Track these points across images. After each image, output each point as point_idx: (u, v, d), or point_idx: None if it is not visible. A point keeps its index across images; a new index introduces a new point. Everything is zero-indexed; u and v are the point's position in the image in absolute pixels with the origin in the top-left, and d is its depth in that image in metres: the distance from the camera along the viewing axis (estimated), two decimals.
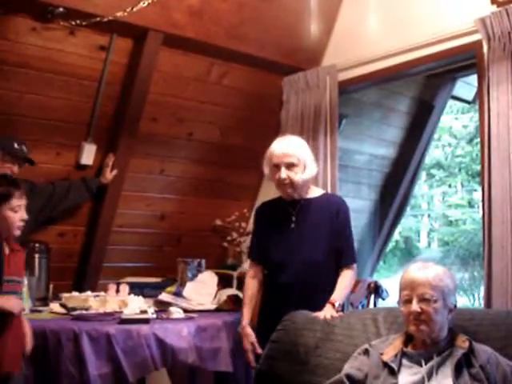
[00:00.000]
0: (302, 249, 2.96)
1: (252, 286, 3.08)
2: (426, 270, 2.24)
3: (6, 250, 2.52)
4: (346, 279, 2.97)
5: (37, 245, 3.48)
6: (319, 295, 2.90)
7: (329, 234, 2.98)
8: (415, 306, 2.18)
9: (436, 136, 6.99)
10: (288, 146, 3.01)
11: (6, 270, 2.47)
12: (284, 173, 2.94)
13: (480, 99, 3.42)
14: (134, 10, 3.31)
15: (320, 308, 2.80)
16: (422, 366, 2.17)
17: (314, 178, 3.17)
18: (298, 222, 3.01)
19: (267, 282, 3.09)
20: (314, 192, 3.12)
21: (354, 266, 3.03)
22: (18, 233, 2.56)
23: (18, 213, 2.52)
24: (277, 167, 2.96)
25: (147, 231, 4.33)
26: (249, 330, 2.96)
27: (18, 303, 2.48)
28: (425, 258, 12.74)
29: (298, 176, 2.94)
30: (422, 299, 2.18)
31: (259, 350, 2.87)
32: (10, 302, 2.41)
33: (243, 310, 3.04)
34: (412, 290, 2.21)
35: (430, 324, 2.18)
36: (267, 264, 3.07)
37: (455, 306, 2.27)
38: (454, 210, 12.84)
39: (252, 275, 3.11)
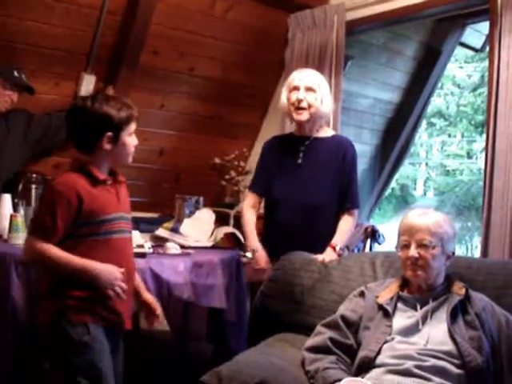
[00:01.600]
0: (305, 187, 2.95)
1: (251, 214, 3.11)
2: (425, 216, 2.23)
3: (109, 182, 2.25)
4: (347, 224, 2.96)
5: (33, 175, 3.44)
6: (317, 236, 2.91)
7: (334, 175, 2.96)
8: (413, 252, 2.18)
9: (439, 84, 6.90)
10: (311, 73, 3.05)
11: (115, 206, 2.22)
12: (302, 94, 2.91)
13: (490, 47, 3.36)
14: None
15: (317, 249, 2.80)
16: (417, 310, 2.18)
17: (327, 116, 3.13)
18: (305, 158, 2.99)
19: (266, 219, 3.09)
20: (326, 132, 3.09)
21: (356, 211, 3.01)
22: (130, 161, 2.32)
23: (133, 138, 2.26)
24: (295, 89, 2.94)
25: (145, 166, 4.29)
26: (263, 251, 2.99)
27: (114, 272, 2.15)
28: (421, 206, 12.81)
29: (315, 102, 2.91)
30: (421, 245, 2.18)
31: None
32: (104, 275, 2.13)
33: (248, 234, 3.08)
34: (411, 235, 2.21)
35: (426, 269, 2.18)
36: (268, 198, 3.06)
37: (453, 253, 2.27)
38: (452, 159, 12.84)
39: (250, 205, 3.13)
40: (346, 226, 2.95)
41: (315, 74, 3.04)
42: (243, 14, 4.09)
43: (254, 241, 3.04)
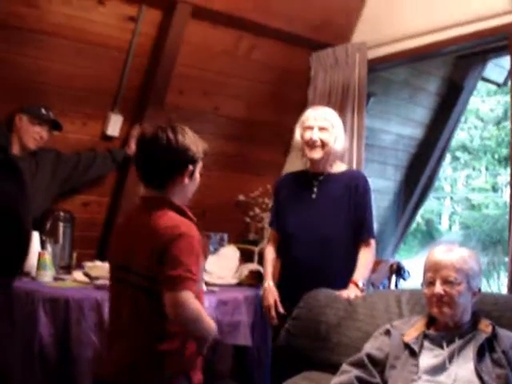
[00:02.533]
0: (319, 222, 2.97)
1: (271, 251, 3.14)
2: (450, 253, 2.22)
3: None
4: (365, 257, 2.96)
5: (61, 213, 3.50)
6: (334, 270, 2.92)
7: (348, 208, 2.98)
8: (438, 288, 2.17)
9: (462, 118, 6.90)
10: (324, 112, 3.07)
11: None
12: (316, 134, 2.95)
13: None
14: None
15: (335, 284, 2.80)
16: (443, 348, 2.16)
17: (341, 153, 3.16)
18: (319, 193, 3.02)
19: (282, 255, 3.12)
20: (339, 167, 3.12)
21: (373, 242, 3.01)
22: None
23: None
24: (309, 129, 2.98)
25: None
26: (273, 288, 3.01)
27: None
28: (446, 241, 12.68)
29: (329, 141, 2.95)
30: (446, 281, 2.17)
31: (281, 309, 2.93)
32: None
33: (266, 271, 3.10)
34: (435, 272, 2.20)
35: (452, 306, 2.16)
36: (283, 234, 3.10)
37: (479, 290, 2.25)
38: (477, 193, 12.73)
39: (271, 241, 3.17)
40: (365, 260, 2.95)
41: (329, 113, 3.08)
42: (266, 54, 4.15)
43: (266, 278, 3.07)
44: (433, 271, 2.21)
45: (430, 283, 2.22)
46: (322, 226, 2.96)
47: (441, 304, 2.17)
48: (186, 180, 2.14)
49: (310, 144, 2.97)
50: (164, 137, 2.10)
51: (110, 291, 2.22)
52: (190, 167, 2.13)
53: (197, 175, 2.19)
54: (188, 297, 1.96)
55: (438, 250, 2.27)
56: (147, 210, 2.11)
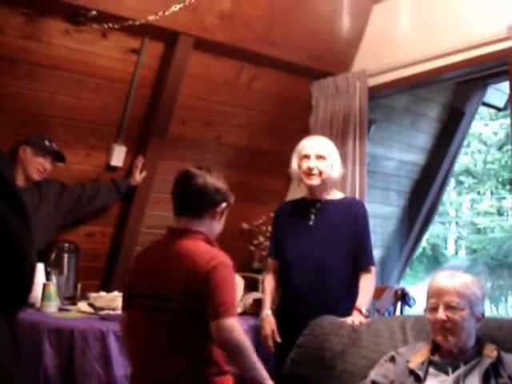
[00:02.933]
0: (317, 248, 2.99)
1: (270, 280, 3.14)
2: (452, 278, 2.22)
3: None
4: (367, 283, 2.97)
5: (66, 244, 3.52)
6: (333, 297, 2.93)
7: (347, 235, 2.99)
8: (441, 314, 2.16)
9: (465, 142, 6.93)
10: (319, 141, 3.11)
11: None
12: (313, 162, 2.98)
13: (511, 106, 3.38)
14: (166, 13, 3.33)
15: (334, 312, 2.80)
16: (448, 374, 2.15)
17: (337, 181, 3.19)
18: (317, 220, 3.04)
19: (281, 283, 3.13)
20: (336, 194, 3.15)
21: (373, 269, 3.03)
22: None
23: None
24: (306, 157, 3.01)
25: None
26: (271, 318, 3.01)
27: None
28: (452, 266, 12.62)
29: (326, 169, 2.98)
30: (448, 307, 2.17)
31: (278, 339, 2.94)
32: None
33: (264, 300, 3.11)
34: (438, 297, 2.20)
35: (456, 333, 2.16)
36: (281, 262, 3.11)
37: (483, 315, 2.24)
38: (482, 217, 12.71)
39: (271, 271, 3.17)
40: (366, 286, 2.96)
41: (325, 142, 3.12)
42: (267, 83, 4.20)
43: (264, 307, 3.07)
44: (436, 297, 2.21)
45: (432, 309, 2.21)
46: (319, 253, 2.98)
47: (445, 331, 2.17)
48: (218, 216, 2.29)
49: (308, 173, 3.00)
50: (204, 173, 2.29)
51: (129, 320, 2.29)
52: (223, 205, 2.29)
53: (223, 216, 2.32)
54: (234, 321, 2.11)
55: (440, 275, 2.28)
56: (180, 240, 2.22)
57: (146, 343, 2.20)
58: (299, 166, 3.06)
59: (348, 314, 2.82)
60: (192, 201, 2.27)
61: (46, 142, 3.50)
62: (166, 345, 2.15)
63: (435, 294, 2.22)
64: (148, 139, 3.91)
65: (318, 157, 3.01)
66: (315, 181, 3.00)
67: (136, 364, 2.26)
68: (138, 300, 2.24)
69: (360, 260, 2.99)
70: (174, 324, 2.13)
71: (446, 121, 4.98)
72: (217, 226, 2.31)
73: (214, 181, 2.28)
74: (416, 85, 4.09)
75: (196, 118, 4.09)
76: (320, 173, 3.00)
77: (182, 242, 2.21)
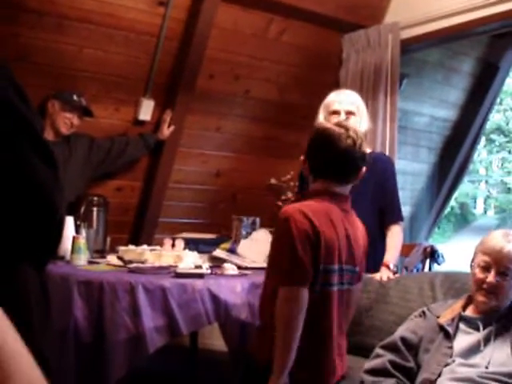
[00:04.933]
0: None
1: None
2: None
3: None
4: (394, 239, 2.94)
5: (95, 198, 3.53)
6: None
7: (374, 191, 2.95)
8: (492, 278, 2.10)
9: (497, 100, 6.78)
10: (348, 95, 3.04)
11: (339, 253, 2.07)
12: (344, 118, 2.91)
13: None
14: None
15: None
16: (479, 331, 2.12)
17: (365, 135, 3.13)
18: None
19: None
20: None
21: (401, 224, 2.99)
22: None
23: None
24: (336, 113, 2.94)
25: (203, 188, 4.35)
26: None
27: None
28: (481, 225, 12.51)
29: (356, 125, 2.92)
30: (501, 272, 2.10)
31: None
32: None
33: None
34: (494, 259, 2.11)
35: (499, 298, 2.12)
36: None
37: None
38: None
39: None
40: (394, 242, 2.93)
41: (353, 95, 3.05)
42: (297, 36, 4.12)
43: None
44: (491, 257, 2.12)
45: (483, 268, 2.13)
46: None
47: (489, 294, 2.11)
48: None
49: None
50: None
51: (329, 297, 2.09)
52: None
53: None
54: None
55: (499, 235, 2.17)
56: (349, 209, 2.20)
57: (338, 320, 2.15)
58: (328, 122, 3.00)
59: (376, 270, 2.80)
60: (356, 168, 2.20)
61: (75, 97, 3.50)
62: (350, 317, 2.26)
63: (491, 254, 2.12)
64: (176, 93, 3.88)
65: (348, 112, 2.95)
66: None
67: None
68: (333, 275, 2.08)
69: (388, 215, 2.95)
70: (352, 296, 2.20)
71: (479, 76, 4.87)
72: None
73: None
74: (449, 38, 3.99)
75: (224, 72, 4.04)
76: None
77: (351, 211, 2.24)
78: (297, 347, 1.96)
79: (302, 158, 2.16)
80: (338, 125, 2.14)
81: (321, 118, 3.04)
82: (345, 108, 2.95)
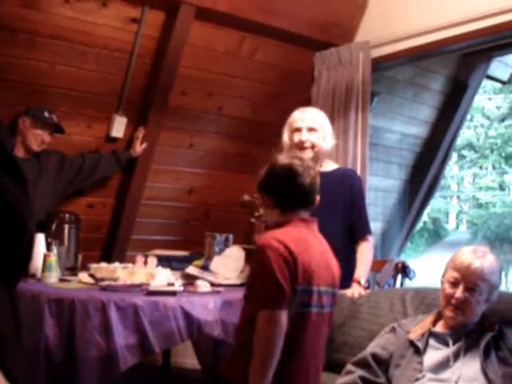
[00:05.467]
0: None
1: None
2: (482, 259, 2.15)
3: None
4: (365, 253, 2.97)
5: (66, 215, 3.50)
6: None
7: (342, 207, 2.99)
8: (460, 293, 2.13)
9: (468, 116, 6.89)
10: (311, 113, 3.10)
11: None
12: (305, 135, 2.96)
13: None
14: None
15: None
16: (449, 346, 2.15)
17: (330, 152, 3.17)
18: None
19: None
20: (329, 166, 3.13)
21: (370, 238, 3.02)
22: None
23: None
24: (298, 130, 2.98)
25: (175, 205, 4.34)
26: None
27: None
28: (454, 240, 12.65)
29: (318, 141, 2.96)
30: (469, 288, 2.13)
31: None
32: None
33: None
34: (463, 274, 2.14)
35: (466, 313, 2.14)
36: None
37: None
38: (484, 192, 12.71)
39: None
40: (364, 257, 2.96)
41: (316, 113, 3.10)
42: (269, 54, 4.15)
43: None
44: (460, 273, 2.15)
45: (452, 283, 2.16)
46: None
47: (456, 309, 2.14)
48: None
49: (300, 146, 2.98)
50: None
51: (310, 319, 2.14)
52: None
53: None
54: None
55: (469, 251, 2.20)
56: (317, 231, 2.31)
57: (319, 344, 2.22)
58: (291, 139, 3.03)
59: (346, 285, 2.81)
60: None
61: (46, 114, 3.48)
62: (323, 341, 2.26)
63: (460, 270, 2.15)
64: (148, 110, 3.88)
65: (310, 129, 2.99)
66: (307, 154, 2.96)
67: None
68: (312, 297, 2.13)
69: (357, 230, 2.99)
70: (329, 319, 2.24)
71: (449, 93, 4.95)
72: None
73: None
74: (420, 56, 4.04)
75: (197, 89, 4.05)
76: (312, 146, 2.98)
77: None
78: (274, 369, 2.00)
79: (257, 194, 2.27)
80: (295, 157, 2.29)
81: (285, 136, 3.08)
82: (307, 125, 2.99)
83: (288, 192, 2.22)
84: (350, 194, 3.00)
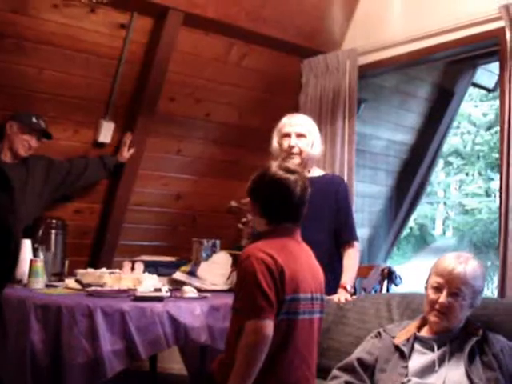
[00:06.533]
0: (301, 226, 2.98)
1: None
2: (465, 265, 2.17)
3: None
4: (351, 259, 2.99)
5: (53, 221, 3.49)
6: None
7: (328, 213, 3.00)
8: (444, 298, 2.15)
9: (455, 123, 6.95)
10: (300, 119, 3.12)
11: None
12: (294, 140, 2.99)
13: (501, 87, 3.39)
14: None
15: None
16: (434, 351, 2.17)
17: (318, 158, 3.19)
18: None
19: None
20: (316, 172, 3.15)
21: (357, 244, 3.04)
22: None
23: None
24: (287, 136, 3.01)
25: (163, 210, 4.34)
26: None
27: None
28: (440, 246, 12.70)
29: (307, 147, 2.98)
30: (453, 293, 2.15)
31: None
32: None
33: None
34: (446, 280, 2.16)
35: (450, 318, 2.16)
36: None
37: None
38: (470, 198, 12.76)
39: None
40: (350, 262, 2.97)
41: (305, 120, 3.13)
42: (257, 61, 4.17)
43: None
44: (443, 278, 2.17)
45: (436, 288, 2.18)
46: (303, 231, 2.97)
47: (440, 314, 2.16)
48: None
49: (288, 151, 3.00)
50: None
51: (299, 324, 2.15)
52: None
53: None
54: None
55: (452, 257, 2.22)
56: (300, 240, 2.32)
57: (311, 348, 2.22)
58: (280, 145, 3.06)
59: (332, 291, 2.83)
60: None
61: (33, 119, 3.47)
62: (316, 347, 2.25)
63: (444, 275, 2.17)
64: (136, 116, 3.89)
65: (299, 135, 3.02)
66: (296, 160, 2.99)
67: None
68: (300, 304, 2.16)
69: (343, 236, 3.00)
70: (319, 324, 2.26)
71: (435, 101, 5.00)
72: None
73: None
74: (406, 64, 4.09)
75: (185, 95, 4.06)
76: (300, 151, 3.00)
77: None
78: (262, 376, 2.01)
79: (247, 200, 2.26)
80: (287, 170, 2.25)
81: (274, 141, 3.10)
82: (295, 131, 3.02)
83: (275, 207, 2.23)
84: (336, 200, 3.02)
